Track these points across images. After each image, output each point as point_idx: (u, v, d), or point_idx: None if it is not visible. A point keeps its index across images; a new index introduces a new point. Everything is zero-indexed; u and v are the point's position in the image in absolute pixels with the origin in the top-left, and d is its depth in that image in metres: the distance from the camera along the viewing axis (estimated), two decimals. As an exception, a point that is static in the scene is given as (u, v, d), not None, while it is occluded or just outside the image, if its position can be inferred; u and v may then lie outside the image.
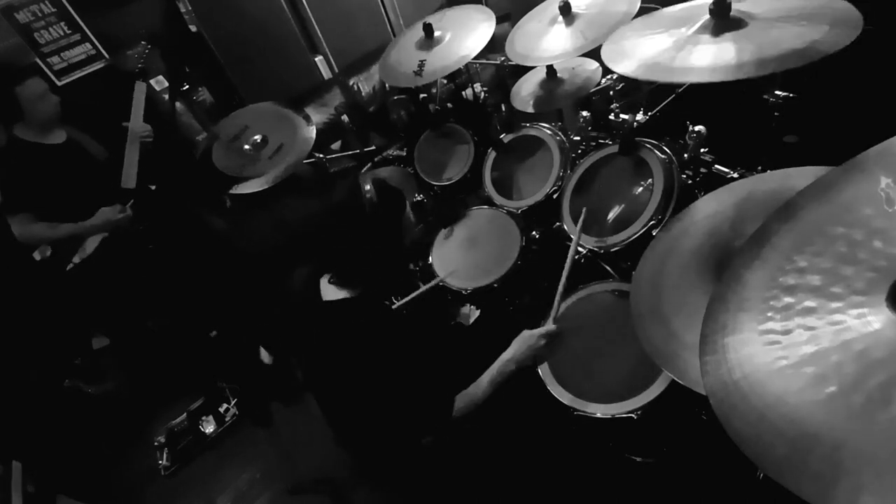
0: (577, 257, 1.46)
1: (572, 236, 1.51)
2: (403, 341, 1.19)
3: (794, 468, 0.53)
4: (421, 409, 1.13)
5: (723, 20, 1.11)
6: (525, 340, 1.28)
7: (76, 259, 2.05)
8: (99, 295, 2.20)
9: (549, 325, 1.31)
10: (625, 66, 1.22)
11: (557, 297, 1.38)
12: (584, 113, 1.77)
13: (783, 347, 0.61)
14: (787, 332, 0.62)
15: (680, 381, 0.96)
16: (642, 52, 1.22)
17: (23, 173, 1.96)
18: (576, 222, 1.53)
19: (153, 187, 2.40)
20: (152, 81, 2.68)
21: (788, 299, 0.65)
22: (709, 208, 1.21)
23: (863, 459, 0.49)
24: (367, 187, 1.18)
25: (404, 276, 1.53)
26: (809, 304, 0.63)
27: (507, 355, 1.25)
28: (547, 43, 1.69)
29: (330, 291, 1.20)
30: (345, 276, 1.19)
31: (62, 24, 2.43)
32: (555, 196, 1.77)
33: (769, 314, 0.66)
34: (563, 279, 1.39)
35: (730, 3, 1.10)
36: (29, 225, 1.97)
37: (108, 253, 2.10)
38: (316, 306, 1.20)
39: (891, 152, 0.67)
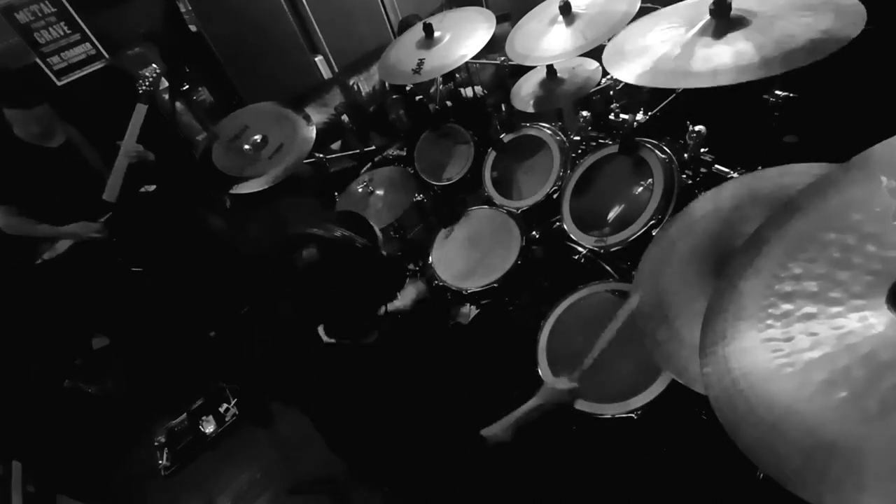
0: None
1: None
2: (415, 383, 1.11)
3: (813, 478, 0.52)
4: (452, 451, 1.07)
5: (724, 21, 1.10)
6: (549, 392, 1.20)
7: (46, 256, 2.13)
8: (62, 294, 2.28)
9: (574, 383, 1.21)
10: (628, 73, 1.21)
11: (591, 355, 1.22)
12: (584, 113, 1.77)
13: (787, 354, 0.61)
14: (789, 339, 0.62)
15: (680, 381, 0.96)
16: (647, 57, 1.19)
17: (13, 170, 2.03)
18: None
19: (153, 187, 2.40)
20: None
21: (787, 306, 0.65)
22: (707, 207, 1.20)
23: (884, 465, 0.49)
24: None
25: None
26: (809, 309, 0.63)
27: (532, 403, 1.18)
28: (547, 43, 1.68)
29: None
30: (337, 329, 1.11)
31: (62, 23, 2.42)
32: (555, 196, 1.77)
33: (769, 322, 0.65)
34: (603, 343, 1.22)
35: (730, 3, 1.09)
36: (11, 217, 2.05)
37: (77, 257, 2.17)
38: (315, 347, 1.12)
39: (890, 152, 0.67)
